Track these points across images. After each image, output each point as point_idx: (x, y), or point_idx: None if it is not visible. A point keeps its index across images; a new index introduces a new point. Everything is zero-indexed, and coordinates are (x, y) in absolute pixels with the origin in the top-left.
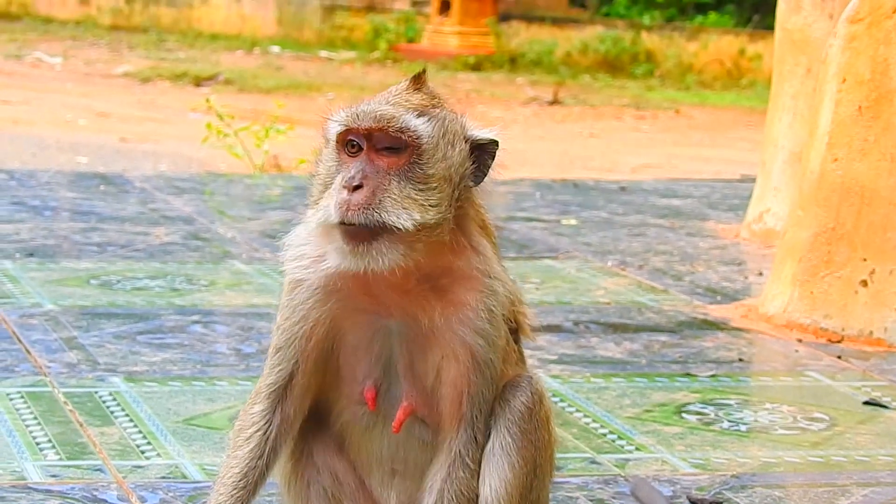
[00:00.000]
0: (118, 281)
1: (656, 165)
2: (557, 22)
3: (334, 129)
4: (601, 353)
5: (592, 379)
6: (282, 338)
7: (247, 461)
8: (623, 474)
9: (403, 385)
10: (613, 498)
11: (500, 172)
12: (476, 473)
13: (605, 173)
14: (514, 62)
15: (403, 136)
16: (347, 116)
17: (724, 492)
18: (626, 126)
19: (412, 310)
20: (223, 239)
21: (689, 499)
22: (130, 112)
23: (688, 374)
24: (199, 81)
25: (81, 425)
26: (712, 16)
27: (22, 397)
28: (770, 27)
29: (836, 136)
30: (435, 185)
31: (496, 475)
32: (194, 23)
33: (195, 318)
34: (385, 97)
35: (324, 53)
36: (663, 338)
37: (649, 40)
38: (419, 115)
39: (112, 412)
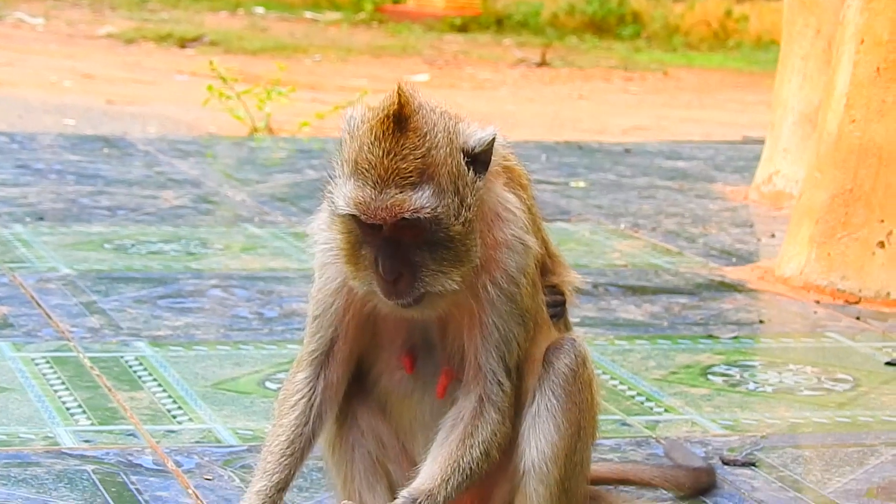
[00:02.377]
0: (132, 245)
1: (646, 127)
2: None
3: (343, 211)
4: (622, 315)
5: (616, 341)
6: (318, 308)
7: (293, 429)
8: (655, 436)
9: (440, 350)
10: (647, 459)
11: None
12: (506, 414)
13: (595, 135)
14: (500, 24)
15: (419, 216)
16: (356, 207)
17: (755, 452)
18: (614, 88)
19: None
20: (233, 202)
21: (721, 460)
22: (116, 74)
23: (710, 336)
24: (183, 43)
25: (110, 390)
26: None
27: (48, 362)
28: None
29: (854, 98)
30: (461, 237)
31: (542, 437)
32: None
33: (214, 282)
34: (380, 166)
35: (309, 14)
36: (683, 300)
37: (636, 1)
38: (422, 184)
39: (140, 377)
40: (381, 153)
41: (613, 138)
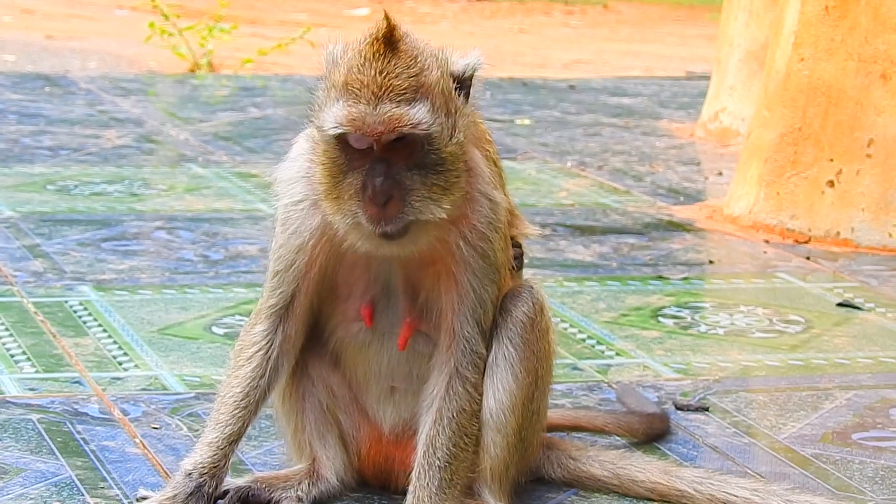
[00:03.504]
0: (75, 186)
1: (587, 61)
2: None
3: (335, 131)
4: (571, 256)
5: (565, 283)
6: (280, 263)
7: (248, 381)
8: (606, 380)
9: (402, 303)
10: (599, 404)
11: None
12: (478, 386)
13: (537, 69)
14: None
15: (416, 132)
16: (350, 124)
17: (708, 397)
18: (555, 21)
19: None
20: (176, 141)
21: (674, 405)
22: (55, 9)
23: (660, 277)
24: None
25: (55, 336)
26: None
27: None
28: None
29: (803, 36)
30: (452, 159)
31: (500, 386)
32: None
33: (158, 223)
34: (372, 83)
35: None
36: (631, 240)
37: None
38: (417, 100)
39: (84, 322)
40: (373, 72)
41: (555, 72)
